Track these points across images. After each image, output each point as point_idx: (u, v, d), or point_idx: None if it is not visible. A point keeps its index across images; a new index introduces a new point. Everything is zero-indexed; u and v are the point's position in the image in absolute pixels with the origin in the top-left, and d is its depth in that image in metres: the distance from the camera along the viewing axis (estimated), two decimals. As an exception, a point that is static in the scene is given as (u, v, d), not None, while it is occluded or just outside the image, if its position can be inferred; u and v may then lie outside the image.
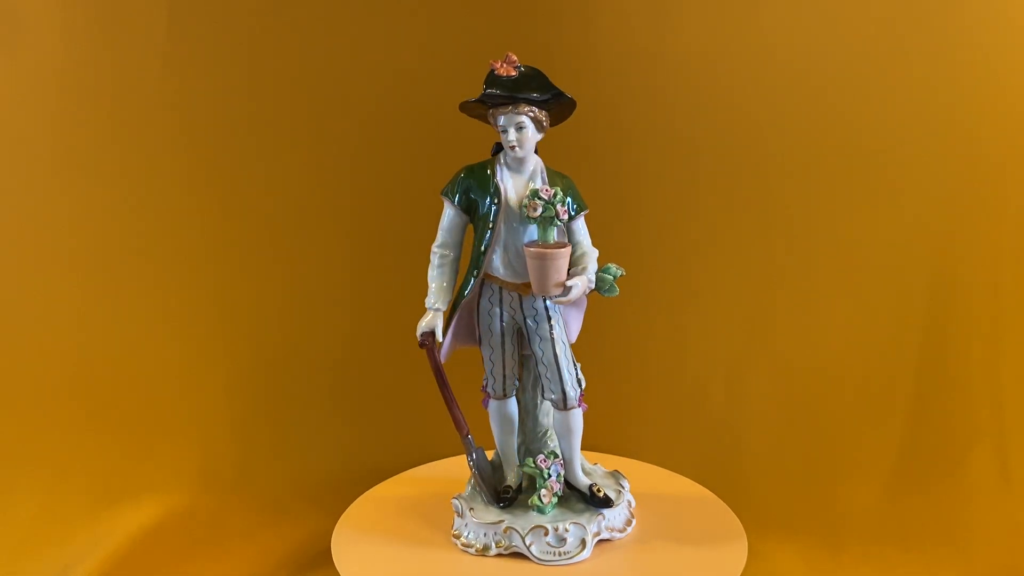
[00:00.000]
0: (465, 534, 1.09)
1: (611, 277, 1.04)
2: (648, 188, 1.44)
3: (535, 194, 1.00)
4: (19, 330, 1.45)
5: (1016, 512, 1.34)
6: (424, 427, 1.42)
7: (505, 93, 1.00)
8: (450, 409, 1.11)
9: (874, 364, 1.45)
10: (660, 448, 1.42)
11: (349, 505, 1.21)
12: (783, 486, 1.41)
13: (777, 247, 1.45)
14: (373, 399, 1.49)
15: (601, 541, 1.08)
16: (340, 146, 1.44)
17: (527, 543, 1.05)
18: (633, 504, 1.13)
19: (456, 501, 1.11)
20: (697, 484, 1.26)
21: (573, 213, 1.04)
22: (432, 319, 1.06)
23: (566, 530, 1.05)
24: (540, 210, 1.00)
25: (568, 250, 1.00)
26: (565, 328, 1.08)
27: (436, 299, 1.06)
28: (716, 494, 1.23)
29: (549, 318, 1.05)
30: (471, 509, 1.09)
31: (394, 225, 1.45)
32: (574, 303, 1.07)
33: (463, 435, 1.11)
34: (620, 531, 1.09)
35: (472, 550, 1.07)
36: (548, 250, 0.99)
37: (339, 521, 1.15)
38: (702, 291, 1.47)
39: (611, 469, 1.17)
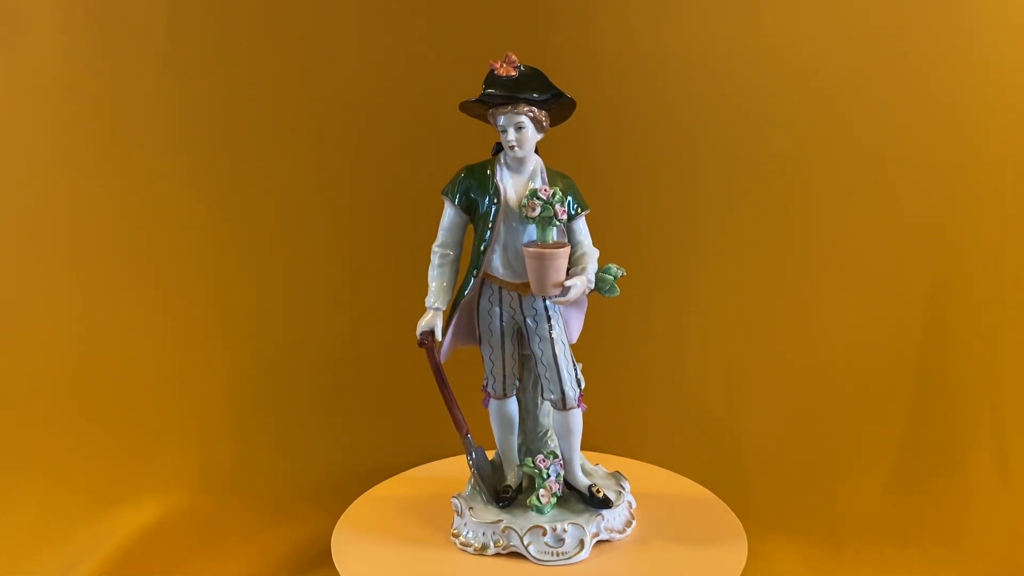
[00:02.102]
0: (464, 533, 1.09)
1: (611, 277, 1.04)
2: (648, 188, 1.44)
3: (534, 194, 1.00)
4: (19, 330, 1.45)
5: (1016, 512, 1.34)
6: (424, 427, 1.42)
7: (504, 93, 1.00)
8: (449, 408, 1.11)
9: (874, 364, 1.45)
10: (660, 448, 1.42)
11: (349, 505, 1.21)
12: (783, 486, 1.41)
13: (777, 247, 1.45)
14: (373, 399, 1.49)
15: (600, 542, 1.07)
16: (340, 146, 1.44)
17: (525, 543, 1.05)
18: (634, 505, 1.13)
19: (456, 500, 1.12)
20: (697, 484, 1.26)
21: (574, 213, 1.04)
22: (431, 318, 1.06)
23: (564, 530, 1.05)
24: (538, 210, 1.00)
25: (567, 250, 1.00)
26: (566, 328, 1.08)
27: (436, 298, 1.06)
28: (716, 494, 1.22)
29: (549, 318, 1.05)
30: (470, 508, 1.10)
31: (394, 225, 1.45)
32: (575, 303, 1.07)
33: (462, 434, 1.11)
34: (619, 532, 1.09)
35: (471, 549, 1.07)
36: (546, 250, 0.99)
37: (339, 521, 1.15)
38: (702, 291, 1.47)
39: (612, 470, 1.17)
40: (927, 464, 1.41)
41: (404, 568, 1.05)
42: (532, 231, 1.03)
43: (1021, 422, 1.42)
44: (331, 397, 1.50)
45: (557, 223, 1.01)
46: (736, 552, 1.06)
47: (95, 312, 1.45)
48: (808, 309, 1.46)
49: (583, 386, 1.08)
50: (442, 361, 1.09)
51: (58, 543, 1.31)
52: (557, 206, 1.00)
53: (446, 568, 1.05)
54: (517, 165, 1.04)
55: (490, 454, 1.16)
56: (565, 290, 0.99)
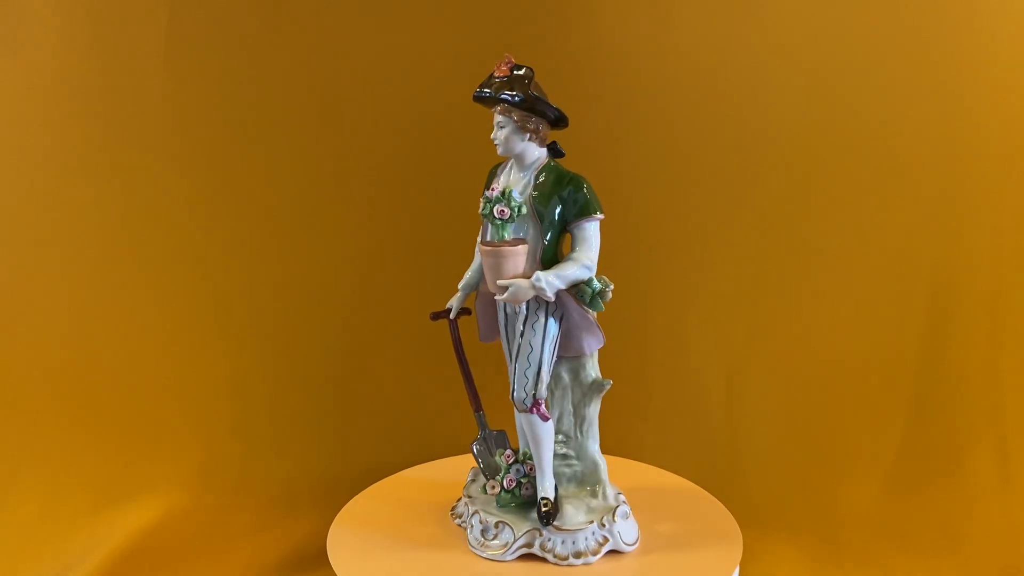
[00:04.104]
0: (460, 498, 1.13)
1: (590, 290, 1.00)
2: (649, 187, 1.44)
3: (484, 192, 1.01)
4: (19, 330, 1.45)
5: (1016, 512, 1.34)
6: (423, 427, 1.43)
7: (482, 93, 1.01)
8: (466, 384, 1.13)
9: (874, 364, 1.45)
10: (660, 448, 1.42)
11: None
12: (783, 486, 1.41)
13: (778, 247, 1.44)
14: (373, 398, 1.50)
15: (533, 556, 1.04)
16: (339, 146, 1.44)
17: (468, 524, 1.08)
18: (611, 546, 1.05)
19: (472, 470, 1.15)
20: (694, 484, 1.25)
21: (571, 217, 1.01)
22: (454, 298, 1.12)
23: (497, 526, 1.05)
24: (481, 207, 1.00)
25: (515, 250, 0.99)
26: (571, 340, 1.05)
27: (462, 280, 1.11)
28: (716, 494, 1.21)
29: (526, 318, 1.03)
30: (473, 481, 1.13)
31: (394, 226, 1.46)
32: (575, 314, 1.02)
33: (475, 411, 1.13)
34: (559, 559, 1.03)
35: (451, 513, 1.12)
36: (488, 247, 0.99)
37: (334, 520, 1.15)
38: (702, 291, 1.47)
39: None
40: (927, 464, 1.41)
41: (399, 567, 1.05)
42: (515, 228, 1.02)
43: (1021, 422, 1.42)
44: (330, 397, 1.50)
45: (497, 222, 1.00)
46: (731, 552, 1.06)
47: (95, 312, 1.46)
48: (808, 309, 1.45)
49: (539, 396, 1.03)
50: (488, 342, 1.12)
51: (58, 543, 1.31)
52: (496, 206, 0.99)
53: (441, 567, 1.04)
54: (517, 163, 1.04)
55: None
56: (503, 290, 0.99)
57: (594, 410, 1.09)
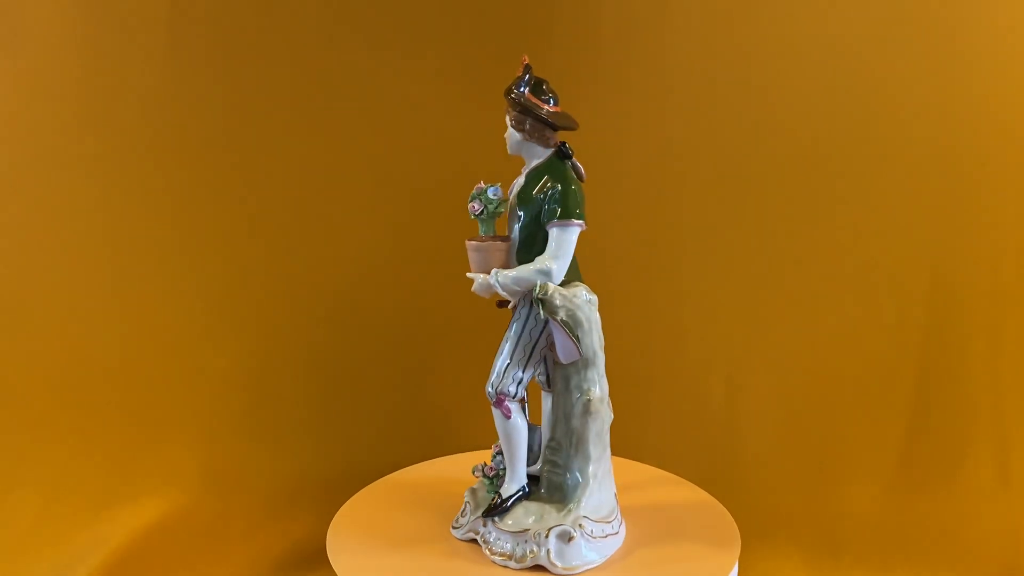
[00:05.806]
0: None
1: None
2: (648, 187, 1.44)
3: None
4: (19, 330, 1.45)
5: (1016, 513, 1.34)
6: (423, 427, 1.43)
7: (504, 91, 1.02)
8: None
9: (874, 364, 1.45)
10: (660, 448, 1.42)
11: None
12: (783, 487, 1.41)
13: (777, 247, 1.45)
14: (373, 398, 1.50)
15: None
16: (337, 147, 1.44)
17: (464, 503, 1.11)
18: (535, 562, 1.02)
19: None
20: (693, 484, 1.25)
21: (546, 219, 0.99)
22: None
23: (466, 504, 1.09)
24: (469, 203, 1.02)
25: (484, 246, 1.00)
26: (556, 346, 1.02)
27: None
28: (715, 495, 1.21)
29: (514, 313, 1.04)
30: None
31: (393, 226, 1.46)
32: (553, 324, 1.01)
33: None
34: (493, 553, 1.04)
35: None
36: (467, 241, 1.01)
37: (333, 520, 1.15)
38: (702, 291, 1.47)
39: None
40: (927, 466, 1.41)
41: (399, 566, 1.05)
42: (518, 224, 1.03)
43: (1021, 423, 1.42)
44: (330, 397, 1.50)
45: (471, 218, 1.01)
46: (728, 554, 1.05)
47: (95, 311, 1.46)
48: (808, 309, 1.46)
49: (507, 392, 1.02)
50: None
51: (58, 543, 1.31)
52: (471, 203, 1.01)
53: (440, 566, 1.05)
54: (525, 161, 1.04)
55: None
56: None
57: (583, 425, 1.04)
